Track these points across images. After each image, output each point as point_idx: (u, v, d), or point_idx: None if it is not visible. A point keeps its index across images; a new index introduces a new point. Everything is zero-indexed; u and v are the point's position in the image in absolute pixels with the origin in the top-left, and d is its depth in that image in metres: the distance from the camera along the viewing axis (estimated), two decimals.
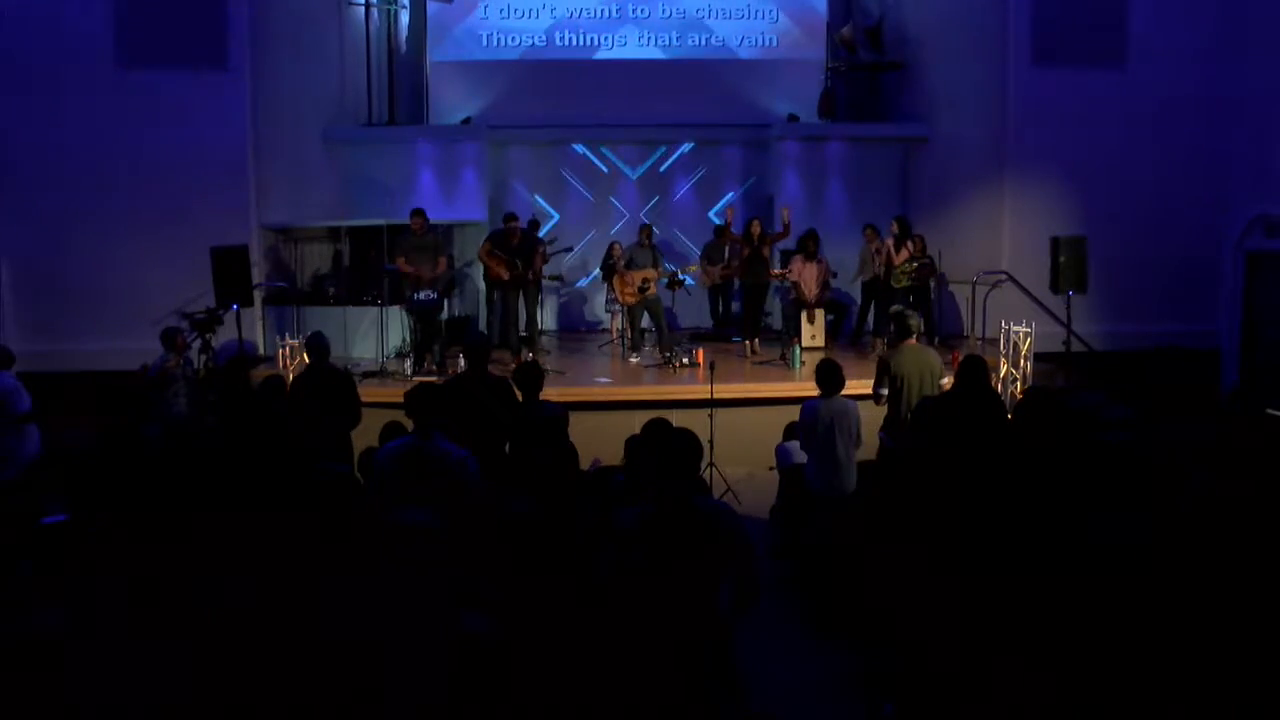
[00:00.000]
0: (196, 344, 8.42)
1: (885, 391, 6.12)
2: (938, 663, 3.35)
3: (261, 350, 10.21)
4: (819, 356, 8.00)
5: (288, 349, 8.88)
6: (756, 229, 10.04)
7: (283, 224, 10.81)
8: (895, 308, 7.28)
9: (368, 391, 8.17)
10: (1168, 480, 4.26)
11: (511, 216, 10.39)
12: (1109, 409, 6.95)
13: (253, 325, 9.99)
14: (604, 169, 12.72)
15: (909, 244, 10.03)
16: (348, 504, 4.34)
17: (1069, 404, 7.04)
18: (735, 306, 11.55)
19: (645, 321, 10.08)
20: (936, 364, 6.16)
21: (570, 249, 10.76)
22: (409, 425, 5.94)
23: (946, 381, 6.17)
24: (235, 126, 10.22)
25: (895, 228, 10.18)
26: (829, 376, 5.82)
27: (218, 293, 8.19)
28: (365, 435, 6.52)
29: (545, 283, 10.59)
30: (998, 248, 10.96)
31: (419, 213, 9.14)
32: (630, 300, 9.69)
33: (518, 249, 9.61)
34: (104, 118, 10.05)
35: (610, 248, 10.75)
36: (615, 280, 9.84)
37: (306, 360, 8.67)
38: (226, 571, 3.37)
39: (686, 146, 12.73)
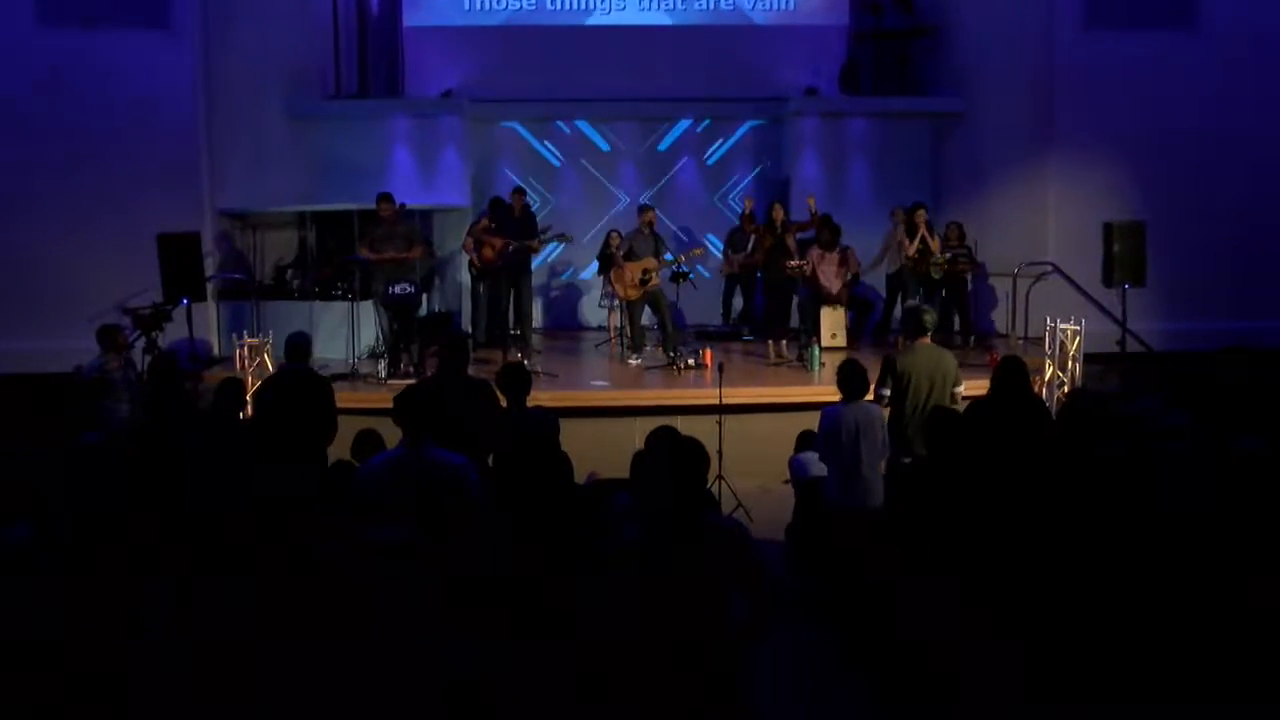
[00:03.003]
0: (141, 343, 8.45)
1: (887, 392, 6.13)
2: (972, 696, 3.37)
3: (216, 350, 10.24)
4: (840, 357, 8.02)
5: (245, 348, 8.90)
6: (779, 215, 10.05)
7: (239, 209, 10.82)
8: (910, 303, 7.32)
9: (338, 396, 8.21)
10: (1234, 493, 4.27)
11: (498, 202, 10.41)
12: (1168, 415, 6.96)
13: (205, 322, 10.00)
14: (601, 148, 12.74)
15: (930, 233, 10.11)
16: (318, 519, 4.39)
17: (1122, 409, 7.06)
18: (757, 301, 11.58)
19: (647, 318, 10.10)
20: (951, 368, 6.16)
21: (564, 236, 10.76)
22: (384, 433, 5.99)
23: (961, 389, 6.17)
24: (183, 97, 10.20)
25: (902, 216, 10.34)
26: (852, 379, 5.83)
27: (166, 286, 8.22)
28: (340, 444, 6.54)
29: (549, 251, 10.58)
30: (1042, 235, 10.96)
31: (386, 197, 9.16)
32: (630, 295, 9.71)
33: (521, 222, 9.62)
34: (26, 86, 9.93)
35: (607, 237, 10.77)
36: (613, 274, 9.86)
37: (269, 360, 8.80)
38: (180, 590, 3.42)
39: (692, 123, 12.76)
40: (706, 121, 12.72)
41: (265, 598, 3.39)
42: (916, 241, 10.13)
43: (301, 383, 6.55)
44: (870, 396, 5.96)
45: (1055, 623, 3.44)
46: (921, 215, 10.19)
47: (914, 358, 6.12)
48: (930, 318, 6.39)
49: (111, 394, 7.46)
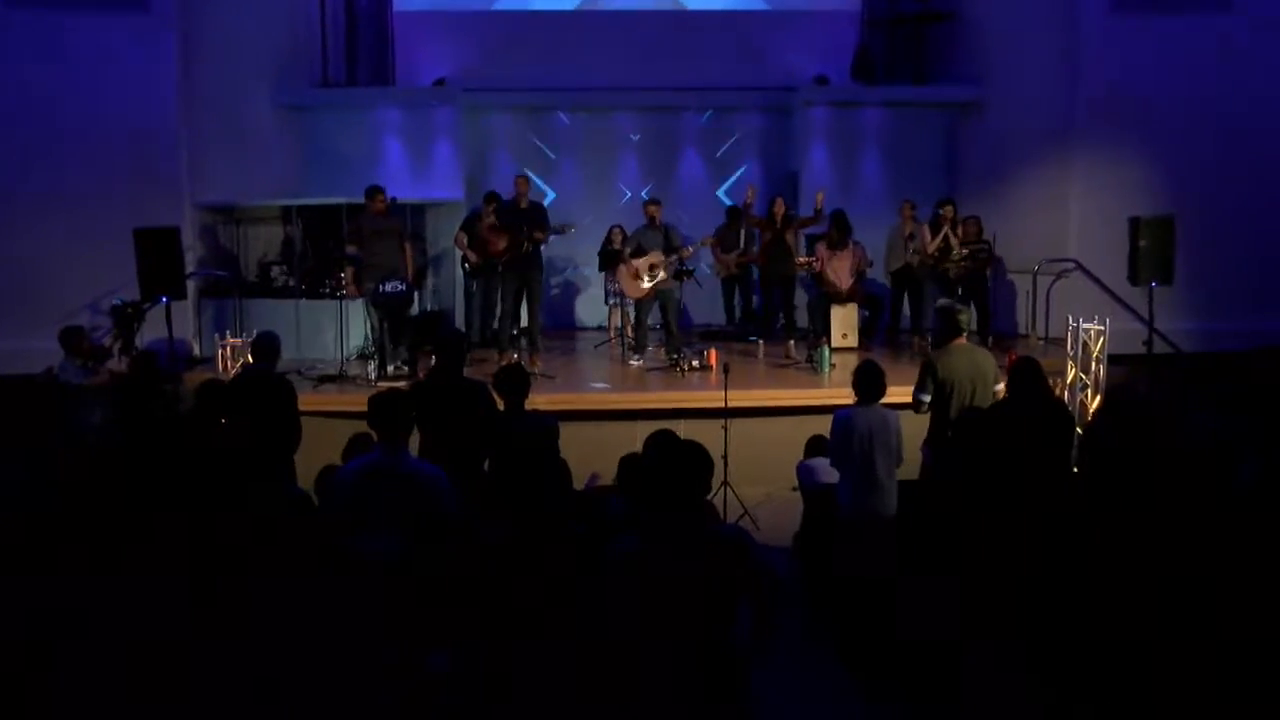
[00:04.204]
0: (112, 342, 8.42)
1: (928, 398, 6.10)
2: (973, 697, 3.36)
3: (198, 350, 10.22)
4: (850, 358, 7.98)
5: (228, 349, 8.88)
6: (780, 209, 10.02)
7: (222, 202, 10.81)
8: (943, 301, 7.28)
9: (326, 399, 8.22)
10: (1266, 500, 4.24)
11: (495, 196, 10.35)
12: (1197, 419, 6.94)
13: (185, 321, 9.98)
14: (601, 139, 12.71)
15: (950, 229, 10.07)
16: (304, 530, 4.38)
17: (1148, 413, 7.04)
18: (756, 300, 11.55)
19: (653, 318, 10.06)
20: (990, 367, 6.15)
21: (571, 228, 10.64)
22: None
23: (1001, 388, 6.16)
24: (162, 84, 10.17)
25: (910, 211, 10.41)
26: (869, 381, 5.79)
27: (143, 283, 8.18)
28: (329, 449, 6.52)
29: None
30: (1064, 231, 10.93)
31: (378, 190, 9.14)
32: (639, 294, 9.66)
33: (530, 213, 9.52)
34: None
35: (609, 233, 10.71)
36: (621, 272, 9.81)
37: (247, 362, 8.77)
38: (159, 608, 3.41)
39: (697, 114, 12.73)
40: (711, 111, 12.70)
41: (256, 601, 3.40)
42: (939, 239, 10.07)
43: (264, 385, 6.53)
44: (886, 400, 5.92)
45: (1059, 624, 3.43)
46: (949, 211, 10.14)
47: (953, 361, 6.08)
48: (965, 317, 6.34)
49: (85, 399, 7.44)
